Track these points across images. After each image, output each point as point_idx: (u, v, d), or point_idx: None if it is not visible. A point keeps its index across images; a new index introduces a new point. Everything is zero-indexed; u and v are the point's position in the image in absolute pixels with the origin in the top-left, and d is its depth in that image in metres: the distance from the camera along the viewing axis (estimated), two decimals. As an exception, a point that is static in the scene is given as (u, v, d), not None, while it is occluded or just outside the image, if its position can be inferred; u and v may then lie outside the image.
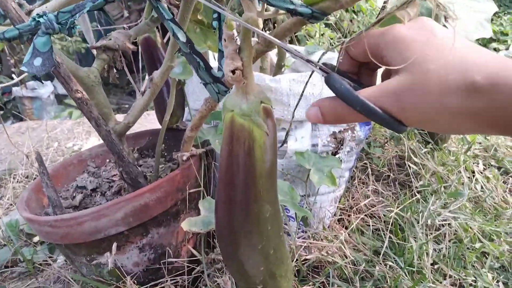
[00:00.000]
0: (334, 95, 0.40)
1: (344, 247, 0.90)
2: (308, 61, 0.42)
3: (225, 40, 0.42)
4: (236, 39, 0.43)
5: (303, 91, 0.66)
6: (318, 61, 0.43)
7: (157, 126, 1.17)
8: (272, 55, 1.26)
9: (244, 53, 0.42)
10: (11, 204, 1.47)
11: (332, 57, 1.23)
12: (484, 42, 3.75)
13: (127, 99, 4.73)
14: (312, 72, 0.47)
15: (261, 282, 0.53)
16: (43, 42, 0.59)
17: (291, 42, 1.33)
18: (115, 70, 0.90)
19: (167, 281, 0.85)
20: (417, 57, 0.35)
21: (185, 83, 1.00)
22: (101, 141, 1.11)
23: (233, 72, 0.41)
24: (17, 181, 1.59)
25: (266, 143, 0.44)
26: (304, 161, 0.91)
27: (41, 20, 0.58)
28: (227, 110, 0.45)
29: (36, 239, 1.20)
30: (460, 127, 0.35)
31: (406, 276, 0.90)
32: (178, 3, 0.82)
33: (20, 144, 1.86)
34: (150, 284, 0.85)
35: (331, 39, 1.99)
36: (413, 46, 0.36)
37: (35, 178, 1.60)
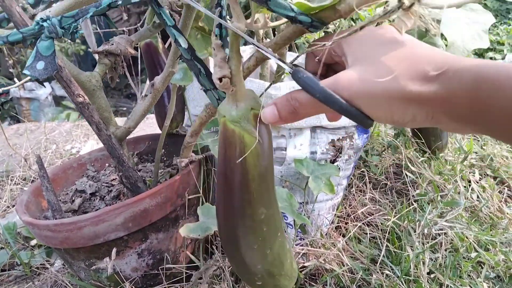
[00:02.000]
0: None
1: (342, 255, 0.91)
2: (277, 58, 0.44)
3: (213, 49, 0.43)
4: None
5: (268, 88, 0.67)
6: (292, 62, 0.44)
7: (156, 130, 1.18)
8: (272, 62, 1.27)
9: (232, 62, 0.44)
10: (8, 207, 1.47)
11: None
12: (481, 52, 3.77)
13: (125, 102, 4.73)
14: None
15: (260, 279, 0.56)
16: (46, 46, 0.59)
17: (290, 49, 1.34)
18: (117, 75, 0.91)
19: (165, 287, 0.85)
20: (371, 51, 0.37)
21: (186, 89, 1.00)
22: (99, 144, 1.12)
23: (220, 80, 0.42)
24: (15, 183, 1.58)
25: (258, 149, 0.46)
26: (302, 168, 0.92)
27: (44, 24, 0.59)
28: (220, 115, 0.47)
29: (33, 242, 1.20)
30: (415, 117, 0.36)
31: (403, 285, 0.90)
32: (180, 10, 0.83)
33: (18, 146, 1.86)
34: (148, 289, 0.85)
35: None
36: (369, 43, 0.38)
37: (32, 180, 1.60)
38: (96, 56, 0.94)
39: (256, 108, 0.46)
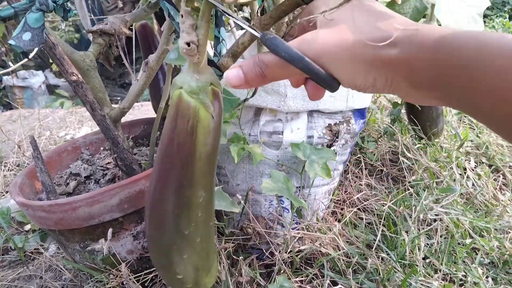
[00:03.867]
0: None
1: (338, 239, 0.91)
2: (247, 25, 0.44)
3: (181, 16, 0.42)
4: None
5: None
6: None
7: (151, 116, 1.17)
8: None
9: (201, 31, 0.42)
10: (1, 192, 1.46)
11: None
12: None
13: (119, 91, 4.70)
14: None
15: (182, 272, 0.52)
16: (35, 18, 0.58)
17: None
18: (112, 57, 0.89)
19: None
20: (337, 13, 0.37)
21: (181, 69, 0.99)
22: (94, 130, 1.11)
23: (188, 44, 0.41)
24: (8, 169, 1.57)
25: (210, 125, 0.44)
26: (299, 152, 0.91)
27: (35, -3, 0.58)
28: (176, 86, 0.44)
29: (27, 227, 1.19)
30: (375, 81, 0.36)
31: (399, 269, 0.91)
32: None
33: (11, 133, 1.84)
34: (144, 272, 0.85)
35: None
36: (345, 10, 0.38)
37: (26, 166, 1.59)
38: (91, 37, 0.93)
39: (215, 84, 0.45)
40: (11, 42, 0.54)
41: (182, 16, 0.41)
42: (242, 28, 0.47)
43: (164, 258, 0.51)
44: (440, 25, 0.98)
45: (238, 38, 0.64)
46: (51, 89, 4.15)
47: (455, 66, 0.31)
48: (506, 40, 0.29)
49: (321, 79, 0.38)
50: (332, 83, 0.38)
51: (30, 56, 0.64)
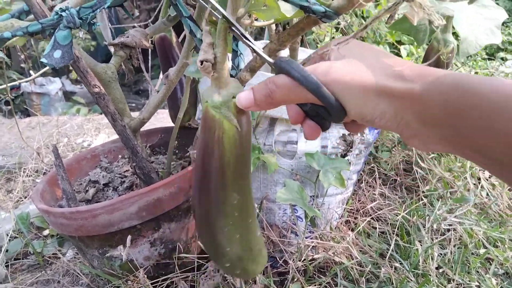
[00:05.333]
0: None
1: (352, 248, 0.91)
2: (259, 50, 0.46)
3: (202, 34, 0.44)
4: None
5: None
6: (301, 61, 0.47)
7: (167, 124, 1.19)
8: (283, 55, 1.27)
9: (219, 49, 0.45)
10: (20, 198, 1.49)
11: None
12: (492, 52, 3.75)
13: (134, 98, 4.75)
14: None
15: (228, 261, 0.57)
16: (64, 35, 0.61)
17: (301, 44, 1.35)
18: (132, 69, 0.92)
19: (177, 276, 0.87)
20: (353, 52, 0.40)
21: (199, 81, 1.01)
22: (111, 138, 1.13)
23: (201, 62, 0.44)
24: (27, 175, 1.61)
25: (235, 136, 0.47)
26: (313, 162, 0.92)
27: (63, 14, 0.60)
28: (203, 100, 0.48)
29: (46, 232, 1.22)
30: (384, 114, 0.36)
31: (412, 279, 0.91)
32: (194, 3, 0.84)
33: (30, 139, 1.89)
34: (161, 278, 0.86)
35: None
36: (353, 46, 0.40)
37: (44, 172, 1.63)
38: (112, 49, 0.96)
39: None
40: (43, 60, 0.57)
41: (202, 34, 0.44)
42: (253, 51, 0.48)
43: (211, 250, 0.58)
44: (457, 38, 0.99)
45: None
46: (67, 95, 4.22)
47: (470, 105, 0.31)
48: None
49: (330, 105, 0.38)
50: (339, 112, 0.38)
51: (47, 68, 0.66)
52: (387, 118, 0.36)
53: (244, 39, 0.46)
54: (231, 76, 0.63)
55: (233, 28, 0.45)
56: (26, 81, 1.78)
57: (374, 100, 0.36)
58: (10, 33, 0.64)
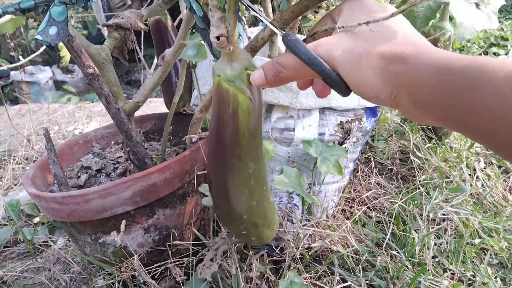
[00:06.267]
0: None
1: (348, 236, 0.91)
2: (269, 21, 0.47)
3: (210, 10, 0.44)
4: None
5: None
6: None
7: (162, 111, 1.17)
8: (280, 44, 1.26)
9: (229, 22, 0.45)
10: (10, 186, 1.46)
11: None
12: (485, 47, 3.76)
13: (125, 88, 4.71)
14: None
15: (245, 229, 0.61)
16: (59, 11, 0.58)
17: (298, 32, 1.33)
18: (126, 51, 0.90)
19: (171, 263, 0.85)
20: (356, 20, 0.39)
21: (196, 65, 0.99)
22: (102, 125, 1.11)
23: (217, 38, 0.44)
24: (17, 163, 1.58)
25: (249, 107, 0.49)
26: (311, 149, 0.91)
27: (58, -12, 0.58)
28: (215, 74, 0.49)
29: (36, 220, 1.20)
30: (380, 92, 0.37)
31: (409, 267, 0.90)
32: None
33: (20, 127, 1.85)
34: (155, 266, 0.85)
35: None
36: (357, 12, 0.40)
37: (34, 160, 1.60)
38: (105, 33, 0.93)
39: (250, 68, 0.48)
40: (37, 37, 0.55)
41: (210, 10, 0.44)
42: (256, 24, 0.48)
43: (228, 219, 0.61)
44: (455, 24, 0.98)
45: (258, 33, 0.64)
46: (58, 85, 4.17)
47: (457, 87, 0.32)
48: (507, 64, 0.30)
49: (335, 84, 0.39)
50: (345, 88, 0.40)
51: (38, 52, 0.64)
52: (383, 97, 0.37)
53: (253, 11, 0.45)
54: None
55: (242, 1, 0.44)
56: (14, 66, 1.75)
57: (371, 79, 0.37)
58: (1, 10, 0.61)
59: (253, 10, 0.46)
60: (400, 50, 0.35)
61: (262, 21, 0.47)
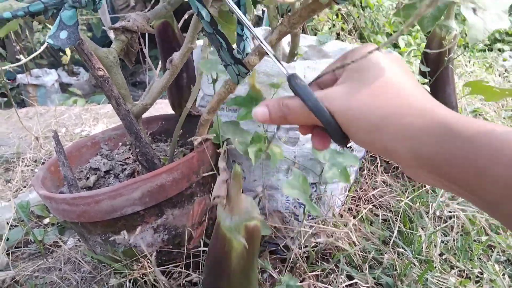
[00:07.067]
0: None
1: (354, 234, 0.91)
2: (277, 60, 0.48)
3: (218, 174, 0.59)
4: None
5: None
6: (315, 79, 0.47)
7: (168, 113, 1.18)
8: (285, 45, 1.27)
9: (233, 190, 0.58)
10: (19, 188, 1.48)
11: (344, 47, 1.24)
12: (490, 43, 3.75)
13: (131, 90, 4.71)
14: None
15: None
16: (69, 15, 0.60)
17: (302, 32, 1.34)
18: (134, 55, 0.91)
19: (180, 261, 0.86)
20: (361, 73, 0.39)
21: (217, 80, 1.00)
22: (112, 126, 1.12)
23: (214, 198, 0.56)
24: (25, 165, 1.60)
25: (243, 251, 0.60)
26: (319, 154, 0.92)
27: (69, -8, 0.59)
28: (219, 216, 0.62)
29: (46, 221, 1.21)
30: (384, 147, 0.37)
31: (416, 264, 0.91)
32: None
33: (28, 129, 1.87)
34: (164, 265, 0.86)
35: (343, 30, 2.00)
36: (364, 65, 0.39)
37: (43, 162, 1.61)
38: (111, 35, 0.94)
39: (249, 221, 0.60)
40: (48, 41, 0.56)
41: (218, 174, 0.56)
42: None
43: None
44: (464, 21, 0.98)
45: (266, 36, 0.65)
46: (63, 87, 4.19)
47: (463, 148, 0.31)
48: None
49: (336, 135, 0.40)
50: (343, 139, 0.40)
51: (37, 53, 0.65)
52: (385, 153, 0.38)
53: (260, 42, 0.49)
54: (238, 59, 0.63)
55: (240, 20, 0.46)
56: (18, 65, 1.77)
57: (376, 137, 0.37)
58: (11, 14, 0.62)
59: (260, 41, 0.48)
60: (404, 111, 0.35)
61: (270, 56, 0.48)
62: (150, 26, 0.90)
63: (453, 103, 1.30)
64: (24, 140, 1.80)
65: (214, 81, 0.86)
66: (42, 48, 1.83)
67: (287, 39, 1.28)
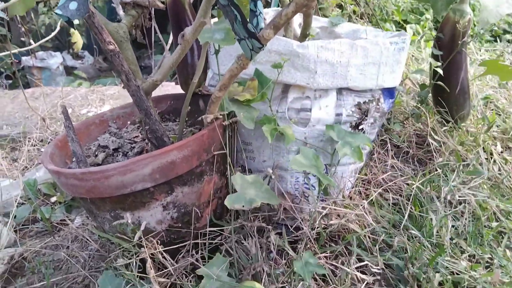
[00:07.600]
0: None
1: (366, 215, 0.90)
2: None
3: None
4: None
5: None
6: None
7: (178, 92, 1.17)
8: (296, 25, 1.24)
9: None
10: (26, 167, 1.48)
11: (357, 29, 1.22)
12: (498, 34, 3.69)
13: (137, 74, 4.70)
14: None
15: None
16: (80, -14, 0.58)
17: (315, 13, 1.32)
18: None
19: (189, 240, 0.86)
20: None
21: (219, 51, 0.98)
22: (121, 105, 1.11)
23: None
24: (32, 145, 1.59)
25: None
26: (333, 132, 0.91)
27: (80, -37, 0.58)
28: None
29: (53, 199, 1.21)
30: None
31: (426, 248, 0.90)
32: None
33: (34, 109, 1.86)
34: (174, 244, 0.85)
35: (354, 13, 1.97)
36: None
37: (49, 142, 1.61)
38: (120, 12, 0.93)
39: None
40: (57, 11, 0.54)
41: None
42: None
43: None
44: (474, 11, 0.96)
45: (282, 9, 0.64)
46: (68, 70, 4.18)
47: None
48: None
49: None
50: None
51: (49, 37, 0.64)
52: None
53: None
54: (252, 33, 0.61)
55: None
56: (25, 49, 1.76)
57: None
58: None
59: None
60: None
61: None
62: (162, 1, 0.88)
63: (465, 88, 1.28)
64: (30, 120, 1.79)
65: (217, 51, 0.85)
66: (54, 33, 1.80)
67: (298, 20, 1.26)
